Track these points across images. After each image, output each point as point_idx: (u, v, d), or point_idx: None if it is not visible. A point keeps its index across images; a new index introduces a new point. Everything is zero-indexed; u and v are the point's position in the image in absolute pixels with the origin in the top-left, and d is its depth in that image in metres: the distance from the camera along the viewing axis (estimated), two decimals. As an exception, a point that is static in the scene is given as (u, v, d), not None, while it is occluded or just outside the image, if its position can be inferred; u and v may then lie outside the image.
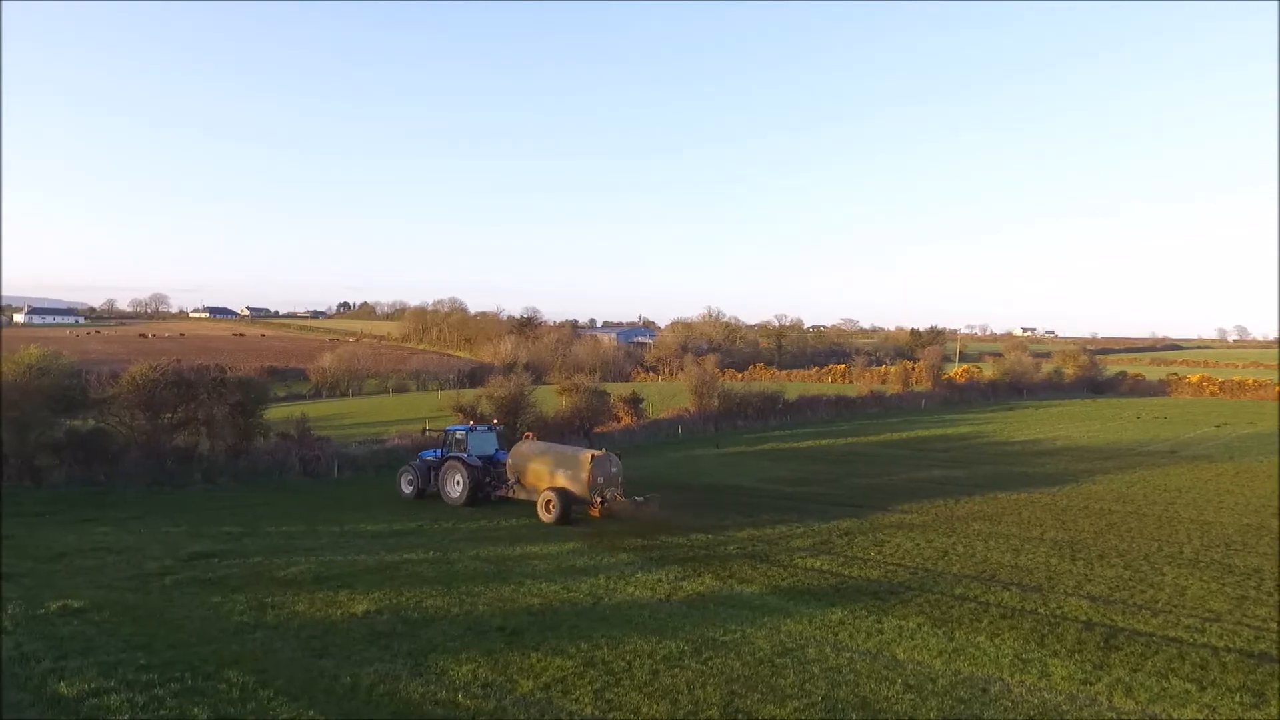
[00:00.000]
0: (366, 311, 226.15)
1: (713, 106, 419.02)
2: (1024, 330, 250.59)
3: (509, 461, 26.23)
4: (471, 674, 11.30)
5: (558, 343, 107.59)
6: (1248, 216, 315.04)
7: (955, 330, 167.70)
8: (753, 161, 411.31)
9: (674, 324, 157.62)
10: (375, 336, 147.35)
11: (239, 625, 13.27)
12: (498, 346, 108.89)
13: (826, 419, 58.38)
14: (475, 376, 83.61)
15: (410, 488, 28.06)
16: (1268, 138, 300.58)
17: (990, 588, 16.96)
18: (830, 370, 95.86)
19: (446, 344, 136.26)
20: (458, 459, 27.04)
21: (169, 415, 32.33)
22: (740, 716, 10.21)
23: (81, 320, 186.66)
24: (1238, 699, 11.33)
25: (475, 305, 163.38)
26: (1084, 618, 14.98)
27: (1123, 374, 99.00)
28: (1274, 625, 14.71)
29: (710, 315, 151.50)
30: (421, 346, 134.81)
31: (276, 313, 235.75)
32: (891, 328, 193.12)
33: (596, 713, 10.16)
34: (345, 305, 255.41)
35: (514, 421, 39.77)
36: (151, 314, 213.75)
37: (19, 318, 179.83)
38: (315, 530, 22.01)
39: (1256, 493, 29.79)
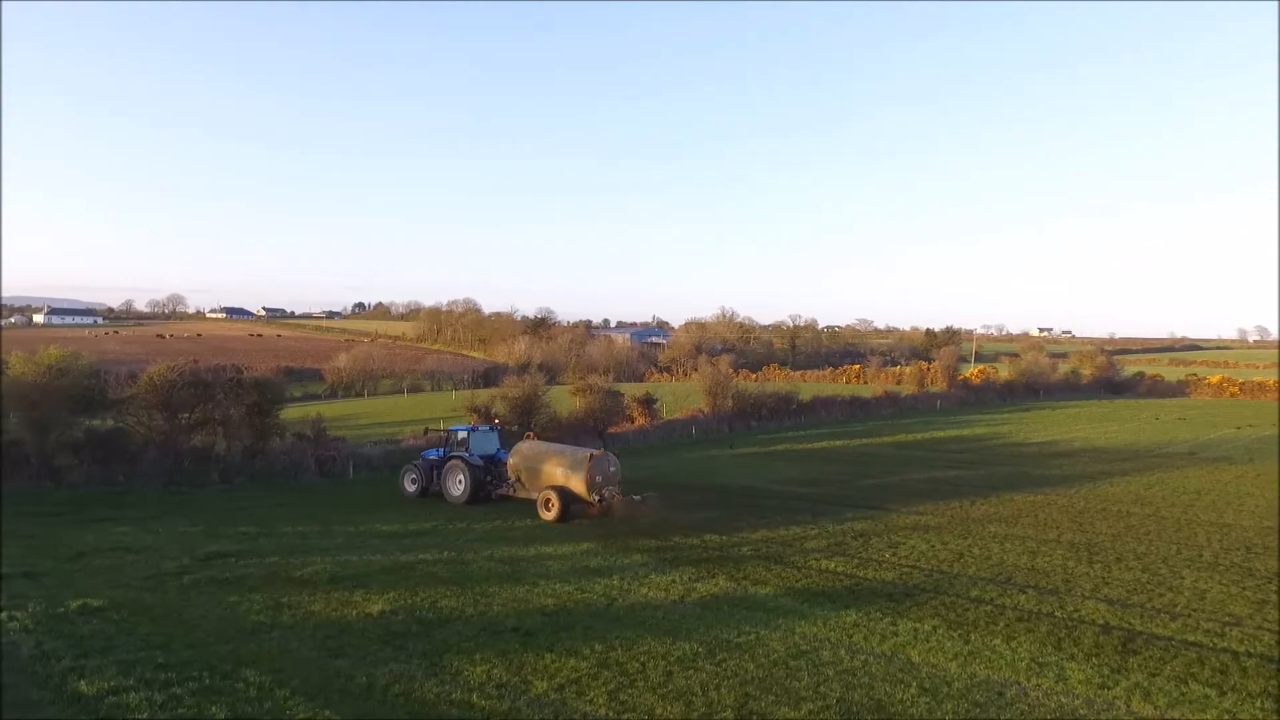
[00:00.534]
0: (381, 312, 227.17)
1: (724, 107, 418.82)
2: (1040, 330, 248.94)
3: (510, 461, 26.66)
4: (486, 674, 11.33)
5: (571, 343, 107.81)
6: (1268, 215, 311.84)
7: (971, 330, 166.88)
8: (765, 162, 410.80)
9: (688, 324, 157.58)
10: (390, 337, 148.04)
11: (255, 625, 13.36)
12: (511, 347, 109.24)
13: (841, 420, 58.20)
14: (489, 377, 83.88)
15: (414, 486, 28.53)
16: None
17: (1006, 590, 16.85)
18: (845, 371, 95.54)
19: (461, 344, 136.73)
20: (460, 458, 27.54)
21: (186, 415, 32.60)
22: (754, 719, 10.18)
23: (100, 321, 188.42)
24: (1259, 704, 11.21)
25: (489, 305, 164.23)
26: (1101, 621, 14.86)
27: (1141, 375, 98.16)
28: (1295, 630, 14.55)
29: (724, 315, 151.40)
30: (436, 347, 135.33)
31: (292, 313, 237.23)
32: (906, 328, 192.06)
33: (610, 714, 10.16)
34: (360, 305, 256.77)
35: (528, 422, 39.89)
36: (169, 314, 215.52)
37: (39, 318, 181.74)
38: (330, 530, 22.14)
39: (1277, 495, 29.46)
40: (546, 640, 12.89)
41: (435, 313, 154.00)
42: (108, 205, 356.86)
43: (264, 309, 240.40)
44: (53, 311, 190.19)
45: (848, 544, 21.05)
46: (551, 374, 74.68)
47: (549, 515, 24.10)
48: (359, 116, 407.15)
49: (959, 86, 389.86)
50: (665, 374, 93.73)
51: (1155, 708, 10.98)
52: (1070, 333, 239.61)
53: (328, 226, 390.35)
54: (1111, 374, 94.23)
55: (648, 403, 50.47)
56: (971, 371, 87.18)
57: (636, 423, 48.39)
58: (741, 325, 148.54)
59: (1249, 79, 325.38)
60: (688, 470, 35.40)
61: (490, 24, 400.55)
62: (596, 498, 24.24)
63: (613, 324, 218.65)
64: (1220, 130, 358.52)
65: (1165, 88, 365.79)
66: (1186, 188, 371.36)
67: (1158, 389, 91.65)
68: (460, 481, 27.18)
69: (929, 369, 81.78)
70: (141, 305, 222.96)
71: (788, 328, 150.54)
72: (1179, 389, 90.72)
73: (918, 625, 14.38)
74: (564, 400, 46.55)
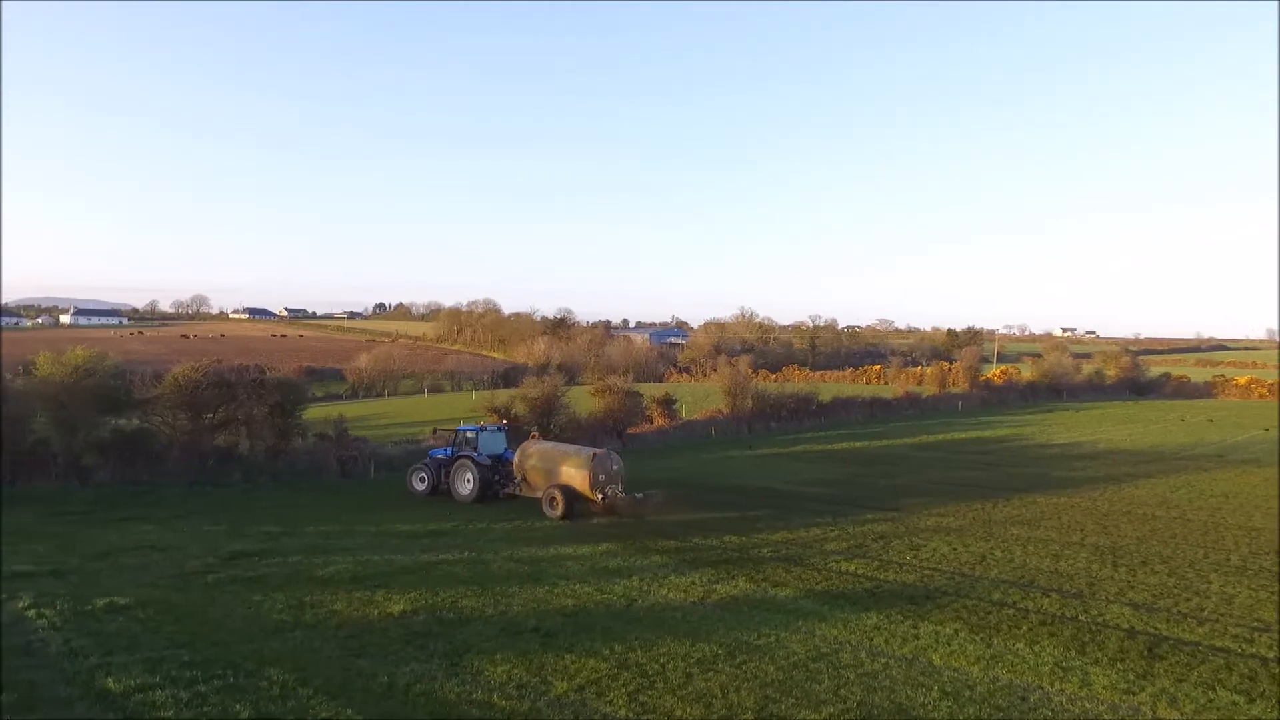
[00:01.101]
0: (402, 312, 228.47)
1: (743, 104, 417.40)
2: (1064, 330, 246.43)
3: (515, 460, 27.11)
4: (506, 675, 11.36)
5: (590, 343, 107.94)
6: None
7: (993, 330, 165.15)
8: (786, 160, 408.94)
9: (707, 325, 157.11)
10: (411, 337, 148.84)
11: (278, 624, 13.47)
12: (531, 347, 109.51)
13: (861, 420, 57.89)
14: (509, 377, 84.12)
15: (422, 485, 28.94)
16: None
17: (1029, 593, 16.70)
18: (865, 371, 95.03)
19: (481, 344, 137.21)
20: (468, 457, 28.00)
21: (210, 415, 32.93)
22: (775, 722, 10.15)
23: (125, 321, 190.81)
24: (1288, 711, 11.04)
25: (509, 306, 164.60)
26: (1126, 625, 14.69)
27: (1166, 375, 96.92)
28: (1326, 635, 14.30)
29: (743, 316, 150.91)
30: (456, 347, 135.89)
31: (314, 313, 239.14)
32: (928, 328, 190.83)
33: (631, 715, 10.16)
34: (381, 306, 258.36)
35: (548, 422, 39.97)
36: (193, 315, 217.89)
37: (65, 319, 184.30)
38: (352, 530, 22.30)
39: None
40: (566, 641, 12.92)
41: (455, 313, 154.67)
42: (132, 207, 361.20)
43: (286, 309, 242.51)
44: (79, 312, 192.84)
45: (868, 546, 20.93)
46: (571, 374, 74.80)
47: (554, 513, 24.67)
48: (377, 118, 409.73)
49: (980, 85, 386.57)
50: (685, 374, 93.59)
51: (1181, 714, 10.85)
52: (1094, 333, 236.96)
53: (350, 230, 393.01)
54: (1136, 375, 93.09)
55: (667, 403, 50.43)
56: (994, 372, 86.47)
57: (656, 423, 48.36)
58: (761, 325, 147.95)
59: None
60: (707, 471, 35.35)
61: (494, 24, 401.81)
62: (600, 495, 24.81)
63: (632, 324, 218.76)
64: (1248, 128, 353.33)
65: (1194, 85, 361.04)
66: (1213, 186, 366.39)
67: (1184, 390, 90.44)
68: (468, 480, 27.65)
69: (951, 369, 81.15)
70: (166, 306, 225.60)
71: (807, 328, 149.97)
72: (1206, 390, 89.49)
73: (939, 628, 14.28)
74: (583, 400, 46.62)
